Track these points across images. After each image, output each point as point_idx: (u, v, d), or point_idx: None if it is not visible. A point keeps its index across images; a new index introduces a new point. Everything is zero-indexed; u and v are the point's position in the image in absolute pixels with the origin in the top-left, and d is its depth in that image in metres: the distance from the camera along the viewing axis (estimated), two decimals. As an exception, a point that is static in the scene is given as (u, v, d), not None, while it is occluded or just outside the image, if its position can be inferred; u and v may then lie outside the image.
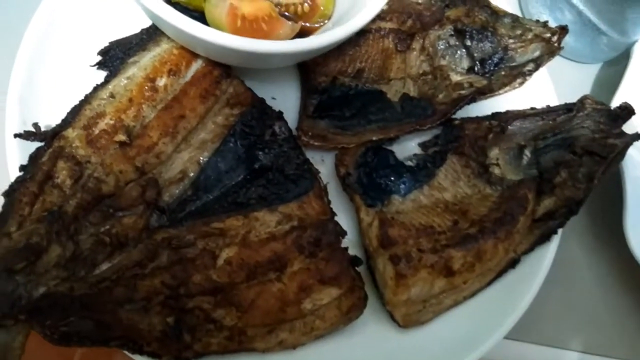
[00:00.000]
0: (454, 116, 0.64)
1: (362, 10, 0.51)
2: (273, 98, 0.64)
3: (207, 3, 0.55)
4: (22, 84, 0.53)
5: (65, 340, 0.42)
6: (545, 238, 0.60)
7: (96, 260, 0.47)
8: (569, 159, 0.59)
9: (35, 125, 0.51)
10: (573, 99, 0.77)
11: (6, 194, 0.46)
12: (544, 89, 0.67)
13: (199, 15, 0.56)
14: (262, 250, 0.52)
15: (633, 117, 0.62)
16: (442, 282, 0.55)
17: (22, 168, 0.49)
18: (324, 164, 0.63)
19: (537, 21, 0.67)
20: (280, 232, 0.53)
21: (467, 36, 0.67)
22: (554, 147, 0.62)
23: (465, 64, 0.67)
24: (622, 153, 0.60)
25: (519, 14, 0.82)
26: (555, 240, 0.60)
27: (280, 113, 0.59)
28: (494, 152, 0.63)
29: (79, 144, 0.51)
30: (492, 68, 0.66)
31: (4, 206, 0.46)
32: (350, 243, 0.59)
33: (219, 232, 0.52)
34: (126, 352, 0.45)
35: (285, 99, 0.64)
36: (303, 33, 0.59)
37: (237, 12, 0.54)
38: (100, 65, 0.57)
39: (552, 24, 0.78)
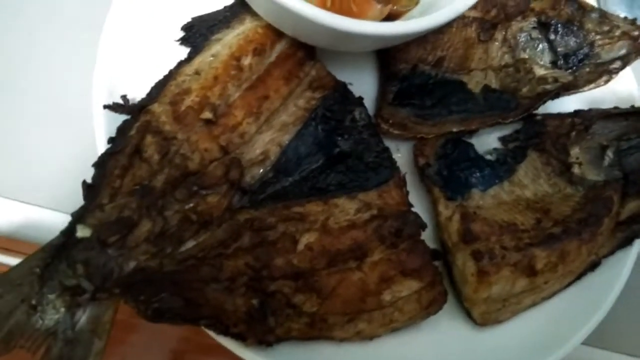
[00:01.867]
0: (535, 112, 0.62)
1: (455, 1, 0.49)
2: (350, 83, 0.62)
3: (298, -19, 0.53)
4: (108, 57, 0.52)
5: (158, 317, 0.42)
6: (627, 242, 0.58)
7: (183, 237, 0.46)
8: (658, 162, 0.57)
9: (124, 97, 0.50)
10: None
11: (97, 165, 0.46)
12: (629, 88, 0.65)
13: (286, -6, 0.54)
14: (342, 238, 0.51)
15: None
16: (524, 282, 0.53)
17: (111, 140, 0.48)
18: (399, 154, 0.61)
19: (626, 18, 0.65)
20: (360, 220, 0.52)
21: (552, 29, 0.65)
22: (639, 150, 0.59)
23: (548, 58, 0.65)
24: None
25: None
26: (638, 244, 0.58)
27: (361, 98, 0.58)
28: (575, 151, 0.61)
29: (165, 120, 0.50)
30: (576, 63, 0.64)
31: (94, 178, 0.46)
32: (424, 237, 0.57)
33: (299, 217, 0.51)
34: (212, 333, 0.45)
35: (363, 85, 0.62)
36: (390, 16, 0.57)
37: (328, -8, 0.52)
38: (183, 40, 0.56)
39: (636, 19, 0.76)
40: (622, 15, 0.77)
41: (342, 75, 0.61)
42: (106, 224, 0.43)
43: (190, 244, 0.47)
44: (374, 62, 0.64)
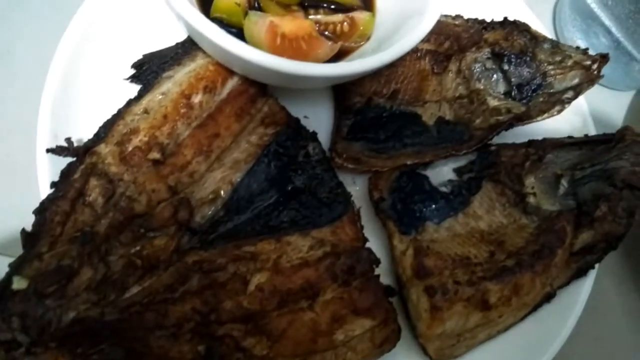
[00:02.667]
0: (490, 142, 0.62)
1: (405, 37, 0.50)
2: (305, 117, 0.62)
3: (247, 20, 0.53)
4: (54, 97, 0.52)
5: (96, 370, 0.41)
6: (582, 272, 0.58)
7: (127, 283, 0.45)
8: (609, 192, 0.58)
9: (68, 140, 0.50)
10: (606, 126, 0.77)
11: (37, 212, 0.45)
12: (582, 117, 0.66)
13: (237, 32, 0.54)
14: (294, 277, 0.50)
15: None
16: (477, 316, 0.53)
17: (54, 185, 0.47)
18: (355, 186, 0.61)
19: (577, 48, 0.66)
20: (313, 257, 0.52)
21: (505, 60, 0.66)
22: (593, 179, 0.60)
23: (502, 88, 0.66)
24: (663, 188, 0.58)
25: (554, 37, 0.81)
26: (592, 275, 0.58)
27: (315, 134, 0.58)
28: (529, 180, 0.61)
29: (111, 161, 0.49)
30: (529, 94, 0.65)
31: (34, 225, 0.45)
32: (381, 270, 0.57)
33: (250, 256, 0.51)
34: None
35: (318, 118, 0.63)
36: (342, 52, 0.57)
37: (277, 30, 0.53)
38: (134, 78, 0.55)
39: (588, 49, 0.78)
40: (578, 41, 0.79)
41: (297, 109, 0.61)
42: (44, 274, 0.42)
43: (134, 289, 0.46)
44: (329, 95, 0.64)
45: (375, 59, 0.48)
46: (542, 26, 0.70)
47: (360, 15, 0.57)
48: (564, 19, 0.81)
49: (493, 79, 0.66)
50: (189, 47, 0.57)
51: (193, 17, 0.44)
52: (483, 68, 0.66)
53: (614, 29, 0.76)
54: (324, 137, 0.61)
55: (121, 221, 0.47)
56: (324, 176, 0.56)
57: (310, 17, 0.57)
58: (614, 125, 0.77)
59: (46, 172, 0.48)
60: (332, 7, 0.59)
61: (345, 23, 0.57)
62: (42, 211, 0.45)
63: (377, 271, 0.54)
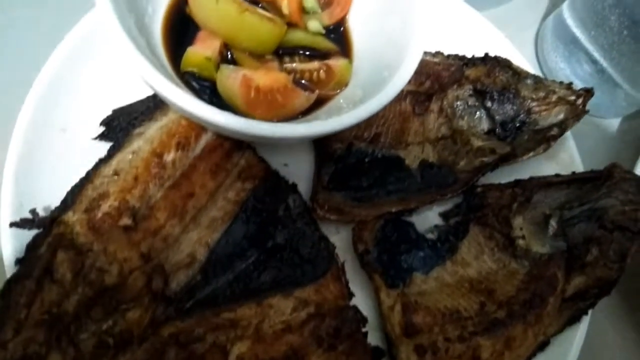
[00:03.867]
0: (475, 183, 0.61)
1: (387, 85, 0.48)
2: (285, 165, 0.60)
3: (219, 73, 0.51)
4: (18, 163, 0.49)
5: None
6: (575, 319, 0.56)
7: (99, 364, 0.43)
8: (599, 234, 0.56)
9: (33, 211, 0.47)
10: (594, 156, 0.75)
11: (2, 295, 0.42)
12: (569, 153, 0.64)
13: (210, 85, 0.52)
14: (277, 344, 0.48)
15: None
16: (469, 374, 0.51)
17: (19, 261, 0.45)
18: (339, 236, 0.59)
19: (561, 83, 0.64)
20: (297, 320, 0.49)
21: (488, 97, 0.64)
22: (582, 219, 0.58)
23: (486, 125, 0.64)
24: (654, 228, 0.56)
25: (537, 67, 0.80)
26: (585, 321, 0.57)
27: (294, 185, 0.56)
28: (518, 222, 0.60)
29: (79, 230, 0.47)
30: (514, 131, 0.63)
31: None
32: (370, 325, 0.55)
33: (229, 324, 0.48)
34: None
35: (298, 165, 0.61)
36: (320, 100, 0.55)
37: (251, 84, 0.50)
38: (103, 137, 0.53)
39: (570, 77, 0.77)
40: (561, 69, 0.77)
41: (277, 156, 0.59)
42: (8, 365, 0.39)
43: (107, 370, 0.43)
44: (310, 142, 0.62)
45: (351, 115, 0.46)
46: (523, 59, 0.68)
47: (337, 63, 0.55)
48: (547, 47, 0.80)
49: (476, 117, 0.64)
50: (160, 100, 0.54)
51: (157, 80, 0.42)
52: (465, 105, 0.65)
53: (597, 57, 0.74)
54: (305, 185, 0.59)
55: (91, 296, 0.45)
56: (305, 230, 0.54)
57: (286, 65, 0.55)
58: (601, 154, 0.76)
59: (10, 248, 0.46)
60: (308, 53, 0.57)
61: (321, 71, 0.55)
62: (6, 294, 0.42)
63: (366, 327, 0.52)
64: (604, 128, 0.78)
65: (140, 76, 0.42)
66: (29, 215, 0.47)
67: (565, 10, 0.78)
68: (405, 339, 0.51)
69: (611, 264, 0.55)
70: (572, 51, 0.77)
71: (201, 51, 0.51)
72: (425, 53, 0.65)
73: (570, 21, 0.76)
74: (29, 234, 0.46)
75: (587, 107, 0.64)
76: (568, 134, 0.65)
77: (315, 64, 0.56)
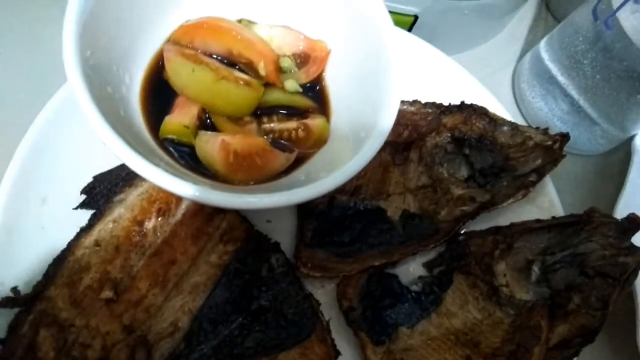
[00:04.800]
0: (457, 230, 0.61)
1: (360, 150, 0.48)
2: (268, 221, 0.61)
3: (198, 139, 0.52)
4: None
5: None
6: (561, 367, 0.56)
7: None
8: (581, 282, 0.57)
9: (14, 290, 0.47)
10: (573, 192, 0.76)
11: (-17, 382, 0.42)
12: (549, 198, 0.65)
13: (189, 150, 0.53)
14: (263, 415, 0.48)
15: (642, 229, 0.59)
16: None
17: (1, 342, 0.44)
18: (324, 290, 0.59)
19: (537, 128, 0.65)
20: (282, 388, 0.49)
21: (466, 144, 0.65)
22: (564, 265, 0.59)
23: (465, 172, 0.65)
24: (634, 273, 0.57)
25: (514, 105, 0.81)
26: (571, 368, 0.57)
27: (277, 244, 0.56)
28: (500, 269, 0.60)
29: (62, 305, 0.47)
30: (492, 178, 0.64)
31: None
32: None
33: (215, 392, 0.48)
34: None
35: (281, 221, 0.61)
36: (299, 158, 0.56)
37: (230, 148, 0.51)
38: (84, 205, 0.53)
39: (547, 114, 0.78)
40: (537, 105, 0.79)
41: (260, 214, 0.60)
42: None
43: None
44: (291, 196, 0.62)
45: (330, 180, 0.47)
46: (499, 104, 0.69)
47: (314, 122, 0.56)
48: (523, 86, 0.81)
49: (455, 164, 0.65)
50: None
51: (129, 158, 0.42)
52: (444, 153, 0.65)
53: (574, 95, 0.76)
54: (288, 242, 0.59)
55: (74, 374, 0.44)
56: (289, 290, 0.54)
57: (265, 125, 0.56)
58: (582, 191, 0.77)
59: (-8, 329, 0.46)
60: (286, 112, 0.57)
61: (300, 130, 0.56)
62: (-13, 378, 0.42)
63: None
64: (583, 164, 0.79)
65: (113, 153, 0.43)
66: (10, 294, 0.46)
67: (542, 50, 0.79)
68: (392, 398, 0.51)
69: (593, 311, 0.55)
70: (548, 89, 0.78)
71: (179, 119, 0.52)
72: (403, 102, 0.66)
73: (546, 61, 0.77)
74: (10, 313, 0.46)
75: (565, 147, 0.65)
76: (547, 177, 0.66)
77: (293, 124, 0.56)
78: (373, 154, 0.49)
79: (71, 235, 0.51)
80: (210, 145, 0.52)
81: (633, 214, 0.60)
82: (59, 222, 0.52)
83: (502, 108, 0.69)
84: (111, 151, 0.42)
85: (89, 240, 0.50)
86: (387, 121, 0.50)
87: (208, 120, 0.54)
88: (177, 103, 0.54)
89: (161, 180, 0.42)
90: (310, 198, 0.46)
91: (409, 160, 0.64)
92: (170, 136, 0.52)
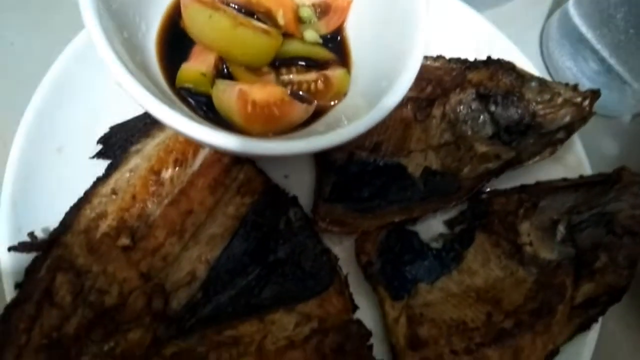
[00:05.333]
0: (480, 189, 0.59)
1: (383, 98, 0.47)
2: (286, 176, 0.60)
3: (215, 88, 0.51)
4: (15, 185, 0.49)
5: None
6: (585, 327, 0.55)
7: (100, 387, 0.43)
8: (609, 240, 0.55)
9: (31, 234, 0.47)
10: (602, 156, 0.74)
11: (1, 321, 0.42)
12: (577, 157, 0.63)
13: (207, 100, 0.52)
14: (280, 361, 0.47)
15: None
16: (477, 386, 0.50)
17: (18, 285, 0.44)
18: (342, 246, 0.58)
19: (567, 84, 0.63)
20: (300, 336, 0.49)
21: (491, 101, 0.63)
22: (591, 224, 0.57)
23: (490, 130, 0.63)
24: (665, 232, 0.55)
25: (542, 66, 0.78)
26: (595, 328, 0.55)
27: (295, 198, 0.55)
28: (525, 228, 0.58)
29: (78, 252, 0.47)
30: (519, 135, 0.62)
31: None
32: (375, 336, 0.54)
33: (232, 341, 0.48)
34: None
35: (299, 176, 0.60)
36: (319, 111, 0.55)
37: (248, 98, 0.50)
38: (100, 155, 0.53)
39: (576, 74, 0.75)
40: (567, 67, 0.76)
41: (277, 168, 0.59)
42: (8, 393, 0.39)
43: (109, 394, 0.43)
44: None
45: (350, 129, 0.45)
46: (527, 61, 0.67)
47: (335, 73, 0.54)
48: (552, 45, 0.78)
49: (480, 121, 0.63)
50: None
51: (149, 102, 0.41)
52: (469, 110, 0.63)
53: (605, 55, 0.73)
54: (306, 197, 0.58)
55: (91, 318, 0.45)
56: (307, 243, 0.53)
57: (283, 77, 0.54)
58: (610, 154, 0.74)
59: (10, 272, 0.46)
60: (306, 64, 0.56)
61: (319, 81, 0.54)
62: (5, 319, 0.42)
63: (371, 338, 0.51)
64: (613, 127, 0.76)
65: (132, 98, 0.42)
66: (27, 239, 0.46)
67: (571, 7, 0.76)
68: (410, 352, 0.50)
69: (621, 270, 0.53)
70: (578, 49, 0.75)
71: (196, 67, 0.50)
72: (426, 57, 0.64)
73: (576, 18, 0.74)
74: (28, 257, 0.46)
75: (595, 107, 0.63)
76: (575, 136, 0.63)
77: (312, 75, 0.55)
78: (395, 103, 0.47)
79: (88, 184, 0.51)
80: (227, 95, 0.50)
81: (665, 172, 0.57)
82: (75, 172, 0.51)
83: (530, 64, 0.66)
84: (128, 93, 0.41)
85: (105, 189, 0.50)
86: (410, 70, 0.49)
87: (225, 70, 0.53)
88: (194, 52, 0.52)
89: (179, 123, 0.41)
90: (329, 146, 0.45)
91: (432, 117, 0.62)
92: (186, 85, 0.51)
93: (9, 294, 0.45)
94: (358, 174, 0.58)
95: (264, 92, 0.50)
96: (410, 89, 0.60)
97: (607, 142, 0.75)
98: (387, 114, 0.46)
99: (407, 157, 0.60)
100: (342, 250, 0.58)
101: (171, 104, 0.44)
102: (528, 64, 0.66)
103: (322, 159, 0.59)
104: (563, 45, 0.77)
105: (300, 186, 0.59)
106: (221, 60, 0.53)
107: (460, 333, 0.51)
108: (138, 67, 0.47)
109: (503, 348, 0.51)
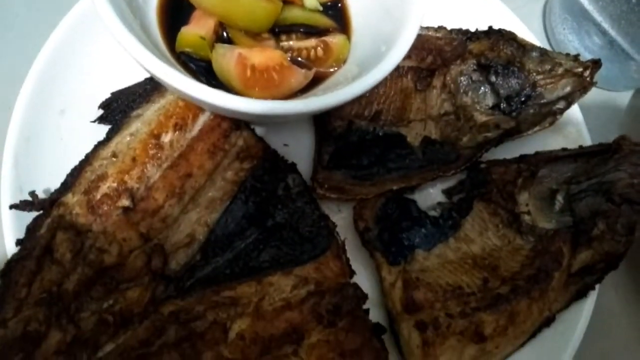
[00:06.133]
0: (479, 159, 0.60)
1: (383, 60, 0.47)
2: (285, 145, 0.60)
3: (214, 53, 0.51)
4: (17, 147, 0.50)
5: None
6: (581, 294, 0.55)
7: (99, 342, 0.44)
8: (607, 208, 0.55)
9: (32, 193, 0.47)
10: (603, 130, 0.73)
11: (2, 275, 0.43)
12: (577, 127, 0.62)
13: (206, 65, 0.52)
14: (277, 321, 0.48)
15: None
16: (472, 349, 0.50)
17: (19, 242, 0.45)
18: (340, 215, 0.59)
19: (568, 55, 0.63)
20: (296, 298, 0.49)
21: (492, 72, 0.63)
22: (590, 193, 0.57)
23: (490, 101, 0.63)
24: (664, 200, 0.55)
25: (545, 40, 0.78)
26: (592, 296, 0.55)
27: (294, 165, 0.55)
28: (523, 198, 0.58)
29: (79, 211, 0.47)
30: (519, 106, 0.62)
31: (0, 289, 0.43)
32: (372, 302, 0.55)
33: (230, 301, 0.48)
34: None
35: (299, 145, 0.60)
36: (318, 77, 0.55)
37: (247, 62, 0.50)
38: (102, 120, 0.53)
39: (580, 49, 0.75)
40: (571, 42, 0.75)
41: (276, 137, 0.59)
42: (9, 343, 0.40)
43: (108, 347, 0.44)
44: (309, 120, 0.62)
45: (347, 90, 0.45)
46: (529, 32, 0.66)
47: (334, 40, 0.54)
48: (555, 19, 0.78)
49: (480, 92, 0.63)
50: (157, 82, 0.54)
51: (151, 62, 0.41)
52: (469, 81, 0.63)
53: (607, 28, 0.72)
54: (306, 165, 0.59)
55: (91, 276, 0.45)
56: (305, 209, 0.53)
57: (283, 43, 0.55)
58: (612, 129, 0.73)
59: (11, 229, 0.46)
60: (305, 31, 0.56)
61: (319, 48, 0.54)
62: (6, 273, 0.43)
63: (368, 304, 0.52)
64: (615, 101, 0.76)
65: (133, 57, 0.42)
66: (28, 198, 0.47)
67: (574, -20, 0.75)
68: (406, 315, 0.51)
69: (618, 237, 0.54)
70: (581, 23, 0.75)
71: (195, 30, 0.51)
72: (428, 28, 0.64)
73: (579, -9, 0.74)
74: (29, 216, 0.47)
75: (597, 80, 0.62)
76: (575, 106, 0.63)
77: (312, 42, 0.55)
78: (393, 66, 0.48)
79: (88, 147, 0.51)
80: (227, 59, 0.51)
81: (666, 142, 0.57)
82: (76, 134, 0.52)
83: (531, 35, 0.66)
84: (128, 52, 0.42)
85: (106, 151, 0.51)
86: (408, 34, 0.49)
87: (225, 36, 0.53)
88: (194, 16, 0.53)
89: (179, 82, 0.41)
90: (326, 107, 0.45)
91: (432, 87, 0.62)
92: (186, 50, 0.52)
93: (11, 251, 0.46)
94: (357, 143, 0.59)
95: (263, 55, 0.50)
96: (411, 59, 0.60)
97: (609, 117, 0.75)
98: (384, 77, 0.46)
99: (406, 127, 0.61)
100: (340, 219, 0.58)
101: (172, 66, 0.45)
102: (531, 35, 0.66)
103: (321, 128, 0.59)
104: (565, 19, 0.77)
105: (300, 154, 0.59)
106: (221, 25, 0.53)
107: (456, 297, 0.52)
108: (139, 30, 0.47)
109: (498, 313, 0.51)
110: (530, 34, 0.67)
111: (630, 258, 0.54)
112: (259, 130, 0.56)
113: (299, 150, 0.59)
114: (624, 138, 0.58)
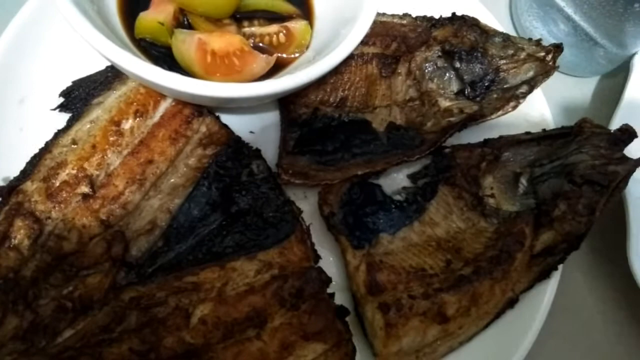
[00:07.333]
0: (443, 144, 0.60)
1: (341, 43, 0.47)
2: (251, 132, 0.60)
3: (174, 39, 0.51)
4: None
5: None
6: (544, 275, 0.56)
7: (58, 327, 0.43)
8: (568, 189, 0.55)
9: (-10, 181, 0.47)
10: (569, 116, 0.75)
11: (-42, 262, 0.43)
12: (540, 111, 0.63)
13: (166, 51, 0.52)
14: (239, 305, 0.48)
15: (635, 140, 0.57)
16: (435, 330, 0.51)
17: (-24, 230, 0.45)
18: (306, 201, 0.59)
19: (530, 39, 0.63)
20: (260, 282, 0.49)
21: (456, 57, 0.63)
22: (552, 175, 0.58)
23: (455, 86, 0.63)
24: (624, 181, 0.56)
25: (511, 27, 0.78)
26: (556, 277, 0.56)
27: (258, 151, 0.55)
28: (487, 181, 0.59)
29: (38, 199, 0.47)
30: (483, 91, 0.63)
31: (-46, 275, 0.42)
32: (337, 287, 0.55)
33: (192, 287, 0.48)
34: None
35: (264, 132, 0.60)
36: (280, 64, 0.55)
37: (207, 48, 0.50)
38: (62, 108, 0.53)
39: (546, 37, 0.75)
40: (536, 29, 0.76)
41: (241, 124, 0.59)
42: (-38, 329, 0.40)
43: (67, 334, 0.44)
44: (275, 107, 0.62)
45: (305, 73, 0.46)
46: (493, 18, 0.67)
47: (296, 26, 0.54)
48: (521, 7, 0.79)
49: (445, 78, 0.63)
50: (118, 70, 0.54)
51: (109, 49, 0.41)
52: (434, 67, 0.64)
53: (571, 13, 0.73)
54: (271, 152, 0.59)
55: (50, 262, 0.45)
56: (269, 195, 0.54)
57: (244, 29, 0.55)
58: (579, 114, 0.74)
59: (-32, 217, 0.46)
60: (268, 17, 0.56)
61: (281, 34, 0.55)
62: (-38, 260, 0.43)
63: (333, 288, 0.52)
64: (582, 87, 0.77)
65: (86, 42, 0.42)
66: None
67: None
68: (370, 298, 0.51)
69: (579, 217, 0.54)
70: (546, 10, 0.75)
71: (154, 16, 0.51)
72: (393, 15, 0.64)
73: (542, -23, 0.75)
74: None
75: (563, 65, 0.63)
76: (539, 91, 0.64)
77: (274, 27, 0.55)
78: (351, 49, 0.48)
79: (49, 136, 0.51)
80: (187, 45, 0.51)
81: (626, 124, 0.58)
82: (37, 123, 0.52)
83: (495, 21, 0.66)
84: (82, 38, 0.41)
85: (66, 139, 0.50)
86: (366, 16, 0.49)
87: (186, 22, 0.53)
88: (154, 1, 0.53)
89: (138, 68, 0.41)
90: (285, 89, 0.46)
91: (397, 74, 0.63)
92: (146, 36, 0.51)
93: (-32, 239, 0.45)
94: (322, 129, 0.59)
95: (222, 41, 0.50)
96: (376, 46, 0.61)
97: (575, 103, 0.76)
98: (341, 60, 0.47)
99: (371, 113, 0.61)
100: (306, 204, 0.58)
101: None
102: (494, 21, 0.67)
103: (287, 115, 0.59)
104: (531, 7, 0.77)
105: (266, 142, 0.59)
106: (182, 11, 0.53)
107: (419, 279, 0.52)
108: (96, 15, 0.47)
109: (461, 293, 0.52)
110: (495, 21, 0.68)
111: (592, 239, 0.55)
112: (224, 118, 0.56)
113: (265, 138, 0.59)
114: (585, 120, 0.59)
